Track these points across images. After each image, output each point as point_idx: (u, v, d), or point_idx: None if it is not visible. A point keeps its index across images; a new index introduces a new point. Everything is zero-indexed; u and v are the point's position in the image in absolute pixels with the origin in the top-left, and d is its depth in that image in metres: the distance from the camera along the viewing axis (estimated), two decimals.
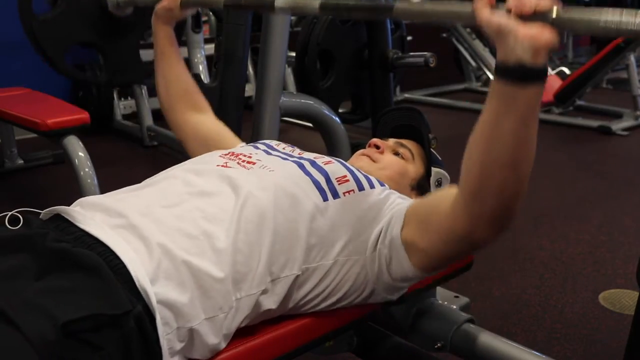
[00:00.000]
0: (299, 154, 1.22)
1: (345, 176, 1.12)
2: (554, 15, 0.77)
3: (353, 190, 1.10)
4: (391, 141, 1.33)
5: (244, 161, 1.14)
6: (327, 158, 1.18)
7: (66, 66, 1.82)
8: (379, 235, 1.06)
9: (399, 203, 1.09)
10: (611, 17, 0.72)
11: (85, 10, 1.64)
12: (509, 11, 0.79)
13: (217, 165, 1.13)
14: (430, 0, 0.93)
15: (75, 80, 4.34)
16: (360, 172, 1.15)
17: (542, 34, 0.77)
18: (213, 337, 0.96)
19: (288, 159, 1.16)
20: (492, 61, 5.26)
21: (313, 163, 1.14)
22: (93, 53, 3.94)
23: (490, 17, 0.80)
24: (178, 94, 1.44)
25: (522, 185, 0.88)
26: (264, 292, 1.00)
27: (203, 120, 1.44)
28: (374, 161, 1.28)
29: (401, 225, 1.03)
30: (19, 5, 1.59)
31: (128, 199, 1.05)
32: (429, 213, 1.01)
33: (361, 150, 1.32)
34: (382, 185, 1.14)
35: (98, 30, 1.67)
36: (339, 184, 1.10)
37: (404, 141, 1.33)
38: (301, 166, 1.12)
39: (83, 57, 3.69)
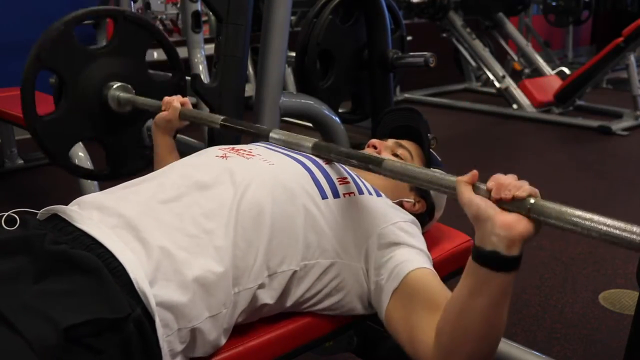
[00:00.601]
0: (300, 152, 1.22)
1: (345, 178, 1.12)
2: (532, 202, 0.78)
3: (353, 192, 1.10)
4: (390, 142, 1.33)
5: (243, 154, 1.14)
6: (325, 159, 1.18)
7: (69, 163, 1.91)
8: (373, 262, 1.05)
9: (402, 227, 1.08)
10: (584, 215, 0.74)
11: (88, 108, 1.72)
12: (489, 191, 0.81)
13: (216, 156, 1.13)
14: (418, 167, 0.98)
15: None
16: (359, 178, 1.15)
17: (518, 223, 0.78)
18: (214, 334, 0.96)
19: (288, 155, 1.16)
20: (492, 61, 5.26)
21: (314, 161, 1.14)
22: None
23: (470, 198, 0.82)
24: None
25: (489, 355, 0.90)
26: (261, 286, 1.00)
27: None
28: None
29: (395, 287, 1.01)
30: (23, 109, 1.64)
31: (127, 196, 1.05)
32: (416, 312, 0.97)
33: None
34: (379, 195, 1.15)
35: (100, 126, 1.76)
36: (339, 184, 1.10)
37: (403, 142, 1.33)
38: (301, 162, 1.12)
39: None
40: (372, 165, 1.02)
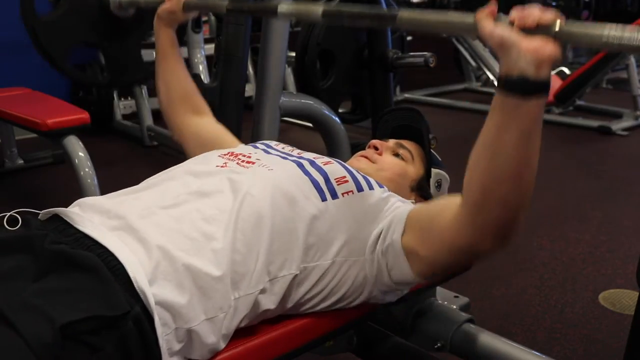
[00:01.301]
0: (298, 153, 1.22)
1: (344, 177, 1.12)
2: (557, 29, 0.77)
3: (352, 191, 1.10)
4: (391, 142, 1.33)
5: (243, 161, 1.14)
6: (326, 158, 1.18)
7: (69, 67, 1.83)
8: (378, 238, 1.06)
9: (398, 206, 1.09)
10: (614, 32, 0.73)
11: (87, 10, 1.64)
12: (511, 23, 0.79)
13: (216, 166, 1.13)
14: (434, 10, 0.93)
15: (75, 81, 4.34)
16: (360, 174, 1.15)
17: (545, 46, 0.77)
18: (212, 338, 0.96)
19: (287, 158, 1.16)
20: (492, 61, 5.26)
21: (312, 163, 1.14)
22: (93, 53, 3.95)
23: (493, 29, 0.80)
24: (178, 96, 1.44)
25: (525, 198, 0.87)
26: (263, 291, 1.00)
27: (203, 123, 1.44)
28: (372, 162, 1.28)
29: (402, 231, 1.03)
30: (21, 7, 1.59)
31: (127, 201, 1.05)
32: (432, 222, 1.00)
33: (360, 152, 1.32)
34: (381, 187, 1.14)
35: (100, 30, 1.68)
36: (337, 185, 1.10)
37: (403, 142, 1.33)
38: (300, 165, 1.12)
39: (83, 57, 3.70)
40: (387, 20, 0.96)
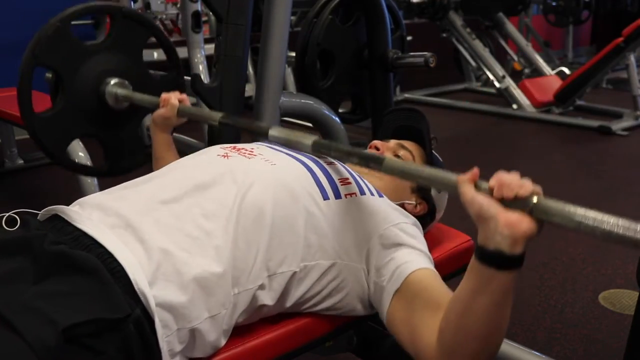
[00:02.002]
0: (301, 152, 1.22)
1: (347, 179, 1.12)
2: (535, 201, 0.78)
3: (355, 193, 1.10)
4: (392, 142, 1.33)
5: (244, 153, 1.14)
6: (328, 159, 1.18)
7: (67, 160, 1.91)
8: (374, 262, 1.05)
9: (403, 229, 1.07)
10: (588, 214, 0.74)
11: (85, 105, 1.71)
12: (491, 190, 0.81)
13: (218, 155, 1.13)
14: (417, 165, 0.97)
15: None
16: (360, 178, 1.15)
17: (521, 222, 0.78)
18: (214, 334, 0.96)
19: (290, 155, 1.15)
20: (492, 61, 5.26)
21: (316, 162, 1.14)
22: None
23: (473, 196, 0.81)
24: None
25: (492, 354, 0.90)
26: (261, 287, 1.00)
27: None
28: None
29: (397, 288, 1.01)
30: (19, 106, 1.64)
31: (127, 196, 1.05)
32: (416, 316, 0.97)
33: None
34: (380, 196, 1.15)
35: (97, 122, 1.74)
36: (341, 185, 1.09)
37: (405, 142, 1.33)
38: (303, 163, 1.12)
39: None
40: (373, 163, 1.02)
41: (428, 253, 1.08)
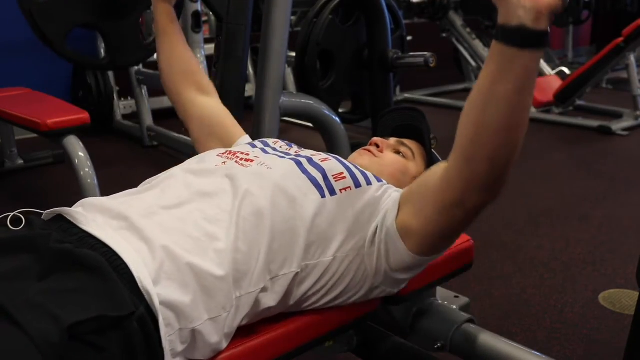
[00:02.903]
0: (295, 152, 1.22)
1: (341, 173, 1.12)
2: None
3: (350, 187, 1.10)
4: (392, 140, 1.34)
5: (241, 159, 1.14)
6: (324, 155, 1.18)
7: (67, 50, 1.80)
8: (376, 230, 1.06)
9: (393, 195, 1.10)
10: None
11: None
12: None
13: (216, 165, 1.13)
14: None
15: (75, 77, 4.34)
16: (358, 169, 1.15)
17: None
18: (215, 337, 0.96)
19: (285, 157, 1.16)
20: None
21: (310, 160, 1.14)
22: (91, 45, 3.91)
23: None
24: (181, 72, 1.41)
25: (514, 151, 0.87)
26: (264, 290, 1.00)
27: (208, 102, 1.41)
28: (375, 158, 1.28)
29: (395, 213, 1.04)
30: None
31: (130, 202, 1.05)
32: (421, 189, 1.01)
33: (362, 148, 1.32)
34: (379, 181, 1.14)
35: (98, 11, 1.65)
36: (335, 181, 1.10)
37: (405, 140, 1.34)
38: (298, 164, 1.12)
39: (80, 49, 3.70)
40: None
41: None
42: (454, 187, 0.92)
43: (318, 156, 1.17)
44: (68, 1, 1.62)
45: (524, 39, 0.77)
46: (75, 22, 1.76)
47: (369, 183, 1.12)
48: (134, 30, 1.75)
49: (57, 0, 1.61)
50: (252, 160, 1.14)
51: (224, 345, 0.99)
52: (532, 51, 0.79)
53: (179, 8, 1.47)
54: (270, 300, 1.02)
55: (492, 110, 0.82)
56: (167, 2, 1.42)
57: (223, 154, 1.18)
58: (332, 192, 1.08)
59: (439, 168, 0.97)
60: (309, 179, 1.09)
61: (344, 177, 1.11)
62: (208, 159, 1.18)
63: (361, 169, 1.16)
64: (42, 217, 1.04)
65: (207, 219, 0.99)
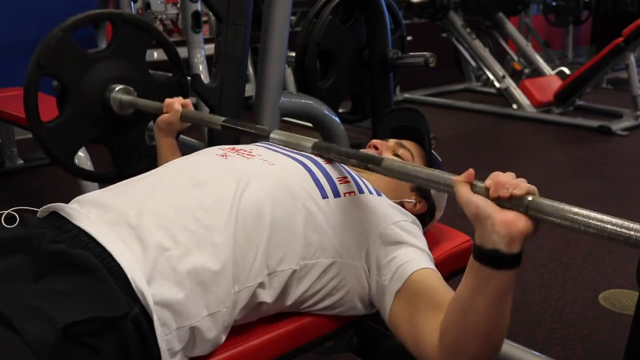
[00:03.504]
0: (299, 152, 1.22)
1: (346, 177, 1.12)
2: (530, 199, 0.79)
3: (354, 192, 1.10)
4: (391, 142, 1.33)
5: (243, 153, 1.14)
6: (326, 158, 1.18)
7: (77, 168, 1.93)
8: (376, 263, 1.05)
9: (408, 242, 1.06)
10: (581, 213, 0.76)
11: (91, 112, 1.75)
12: (487, 190, 0.82)
13: (216, 155, 1.13)
14: (415, 166, 1.00)
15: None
16: (358, 177, 1.15)
17: (517, 221, 0.79)
18: (214, 332, 0.96)
19: (288, 155, 1.16)
20: (492, 61, 5.26)
21: (314, 161, 1.14)
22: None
23: (468, 197, 0.83)
24: None
25: (494, 353, 0.90)
26: (261, 285, 1.00)
27: None
28: None
29: (399, 288, 1.01)
30: (27, 117, 1.67)
31: (125, 192, 1.05)
32: (420, 314, 0.97)
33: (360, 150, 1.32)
34: (379, 195, 1.15)
35: (104, 129, 1.78)
36: (340, 184, 1.10)
37: (404, 142, 1.33)
38: (302, 163, 1.12)
39: None
40: (371, 164, 1.03)
41: (428, 251, 1.08)
42: None
43: (321, 158, 1.17)
44: (76, 124, 1.74)
45: (499, 261, 0.81)
46: (83, 142, 1.88)
47: (370, 192, 1.13)
48: (137, 143, 1.86)
49: (65, 123, 1.71)
50: (254, 156, 1.13)
51: (223, 339, 0.99)
52: (507, 271, 0.82)
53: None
54: (267, 296, 1.02)
55: (473, 317, 0.86)
56: (169, 137, 1.52)
57: (224, 148, 1.18)
58: (336, 194, 1.08)
59: (443, 304, 0.93)
60: (312, 178, 1.08)
61: (348, 181, 1.11)
62: (209, 152, 1.18)
63: (362, 178, 1.16)
64: (37, 215, 1.03)
65: (204, 209, 0.99)
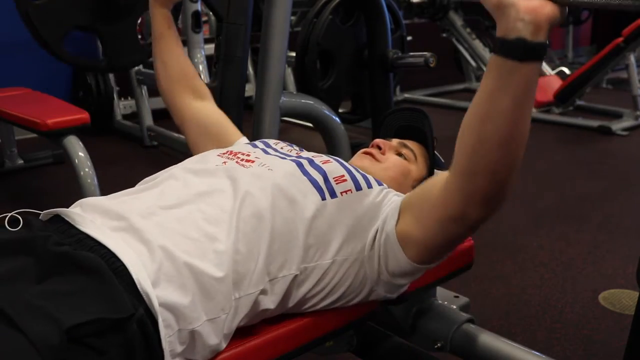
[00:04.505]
0: (297, 153, 1.22)
1: (342, 176, 1.12)
2: None
3: (350, 190, 1.09)
4: (394, 141, 1.33)
5: (242, 160, 1.14)
6: (325, 157, 1.18)
7: (65, 52, 1.79)
8: (376, 234, 1.06)
9: (394, 200, 1.09)
10: None
11: None
12: None
13: (216, 165, 1.13)
14: None
15: (75, 77, 4.34)
16: (359, 172, 1.14)
17: (543, 7, 0.76)
18: (214, 338, 0.96)
19: (286, 158, 1.16)
20: None
21: (311, 162, 1.14)
22: (91, 46, 3.92)
23: None
24: (177, 76, 1.41)
25: (514, 165, 0.86)
26: (263, 292, 1.00)
27: (204, 106, 1.41)
28: (377, 161, 1.28)
29: (396, 219, 1.03)
30: None
31: (129, 201, 1.05)
32: (422, 200, 1.01)
33: (363, 150, 1.32)
34: (380, 184, 1.14)
35: (95, 13, 1.65)
36: (336, 184, 1.09)
37: (407, 142, 1.33)
38: (299, 165, 1.12)
39: (80, 50, 3.71)
40: None
41: None
42: (454, 201, 0.92)
43: (319, 158, 1.17)
44: (65, 3, 1.61)
45: (524, 51, 0.77)
46: (72, 23, 1.76)
47: (369, 186, 1.11)
48: (131, 33, 1.75)
49: (54, 2, 1.60)
50: (252, 161, 1.13)
51: (223, 346, 0.99)
52: (532, 63, 0.79)
53: (177, 10, 1.45)
54: (269, 302, 1.02)
55: (492, 123, 0.82)
56: (164, 7, 1.42)
57: (223, 154, 1.18)
58: (333, 195, 1.08)
59: (441, 178, 0.96)
60: (310, 181, 1.08)
61: (345, 180, 1.11)
62: (208, 159, 1.17)
63: (362, 172, 1.15)
64: (40, 218, 1.03)
65: (207, 219, 0.99)
